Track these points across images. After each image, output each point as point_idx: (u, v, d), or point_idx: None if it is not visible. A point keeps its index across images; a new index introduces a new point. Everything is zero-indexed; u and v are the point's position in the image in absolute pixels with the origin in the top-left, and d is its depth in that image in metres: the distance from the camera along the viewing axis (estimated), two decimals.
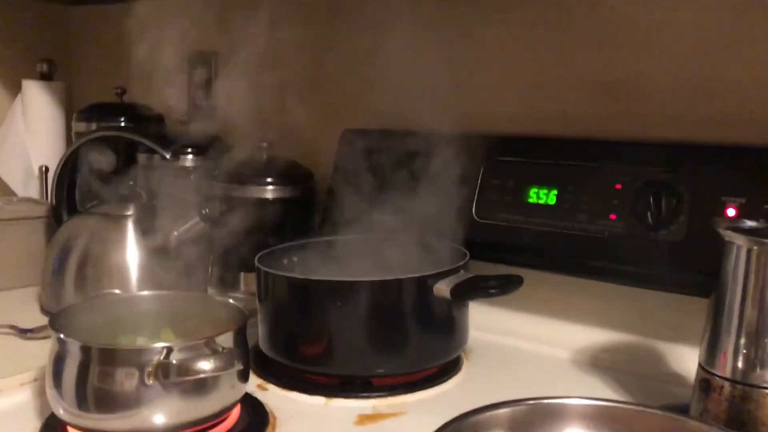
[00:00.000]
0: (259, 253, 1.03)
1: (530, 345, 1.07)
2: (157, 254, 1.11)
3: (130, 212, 1.15)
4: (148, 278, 1.10)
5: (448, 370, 0.99)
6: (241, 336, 0.80)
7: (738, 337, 0.74)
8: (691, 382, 0.81)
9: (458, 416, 0.64)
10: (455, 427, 0.63)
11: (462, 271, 0.97)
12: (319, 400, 0.90)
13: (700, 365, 0.78)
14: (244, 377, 0.81)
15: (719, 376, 0.75)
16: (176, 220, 1.12)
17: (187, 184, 1.20)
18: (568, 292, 1.07)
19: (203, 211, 1.14)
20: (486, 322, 1.09)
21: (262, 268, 0.98)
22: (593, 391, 0.90)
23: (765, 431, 0.72)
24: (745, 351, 0.74)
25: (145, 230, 1.12)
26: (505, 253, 1.08)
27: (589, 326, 1.05)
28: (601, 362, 1.01)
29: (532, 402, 0.67)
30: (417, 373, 0.95)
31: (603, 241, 0.98)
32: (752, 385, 0.73)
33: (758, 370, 0.73)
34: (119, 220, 1.14)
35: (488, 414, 0.65)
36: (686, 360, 0.94)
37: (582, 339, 1.05)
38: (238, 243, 1.20)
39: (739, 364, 0.74)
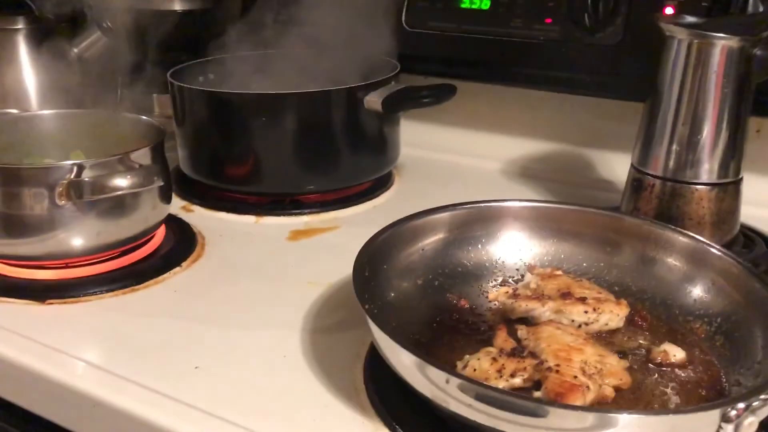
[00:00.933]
0: (171, 69, 0.94)
1: (462, 158, 1.05)
2: (56, 73, 1.00)
3: (20, 26, 1.02)
4: (48, 100, 1.00)
5: (379, 185, 0.96)
6: (158, 153, 0.74)
7: (672, 135, 0.74)
8: (621, 188, 0.82)
9: (398, 221, 0.62)
10: (394, 231, 0.61)
11: (393, 83, 0.92)
12: (248, 219, 0.87)
13: (633, 166, 0.78)
14: (165, 196, 0.76)
15: (651, 175, 0.76)
16: (75, 34, 1.01)
17: None
18: (501, 102, 1.04)
19: (104, 25, 1.02)
20: (417, 138, 1.06)
21: (176, 83, 0.90)
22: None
23: (691, 224, 0.73)
24: (677, 148, 0.74)
25: (39, 46, 1.00)
26: (437, 64, 1.03)
27: (521, 137, 1.04)
28: (532, 172, 1.01)
29: (470, 206, 0.66)
30: (348, 189, 0.93)
31: (538, 46, 0.94)
32: (682, 182, 0.74)
33: (689, 168, 0.74)
34: (7, 34, 1.01)
35: (427, 218, 0.64)
36: (616, 166, 0.94)
37: (513, 150, 1.04)
38: (147, 61, 1.10)
39: (671, 163, 0.74)
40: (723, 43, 0.70)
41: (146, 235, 0.75)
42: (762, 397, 0.43)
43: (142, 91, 1.20)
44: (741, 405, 0.43)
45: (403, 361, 0.49)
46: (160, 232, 0.79)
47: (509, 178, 1.01)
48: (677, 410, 0.47)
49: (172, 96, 0.92)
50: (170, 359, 0.60)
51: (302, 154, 0.89)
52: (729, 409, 0.43)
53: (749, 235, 0.80)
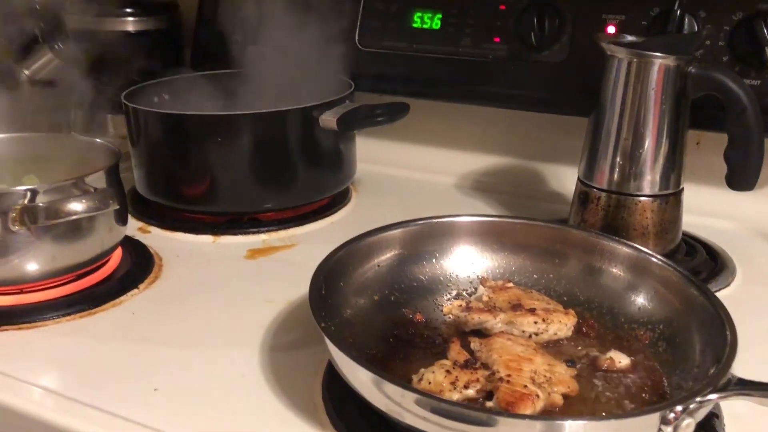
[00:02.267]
0: (125, 91, 0.94)
1: (417, 174, 1.07)
2: (7, 96, 0.99)
3: None
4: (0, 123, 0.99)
5: (337, 201, 0.98)
6: (113, 175, 0.74)
7: (615, 149, 0.77)
8: (569, 199, 0.85)
9: (352, 239, 0.64)
10: (350, 249, 0.63)
11: (347, 102, 0.93)
12: (206, 239, 0.88)
13: (579, 179, 0.82)
14: (121, 219, 0.76)
15: (597, 188, 0.79)
16: (26, 57, 1.00)
17: (35, 15, 1.06)
18: (453, 119, 1.07)
19: (56, 46, 1.02)
20: (373, 154, 1.08)
21: (130, 105, 0.90)
22: (478, 212, 0.92)
23: (635, 234, 0.77)
24: (621, 162, 0.77)
25: None
26: (390, 83, 1.05)
27: (472, 152, 1.07)
28: (484, 185, 1.04)
29: (422, 222, 0.68)
30: (306, 206, 0.94)
31: (487, 65, 0.97)
32: (626, 194, 0.77)
33: (632, 180, 0.77)
34: None
35: (381, 235, 0.65)
36: (565, 179, 0.98)
37: (466, 164, 1.07)
38: (100, 82, 1.10)
39: (615, 176, 0.78)
40: (660, 62, 0.74)
41: (102, 258, 0.75)
42: (698, 399, 0.46)
43: (96, 112, 1.20)
44: (678, 408, 0.45)
45: (360, 378, 0.50)
46: (117, 254, 0.79)
47: (463, 192, 1.03)
48: (619, 415, 0.49)
49: (126, 117, 0.92)
50: (129, 382, 0.60)
51: (258, 173, 0.90)
52: (667, 412, 0.45)
53: (691, 243, 0.84)
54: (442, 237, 0.68)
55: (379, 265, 0.67)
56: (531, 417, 0.47)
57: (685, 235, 0.84)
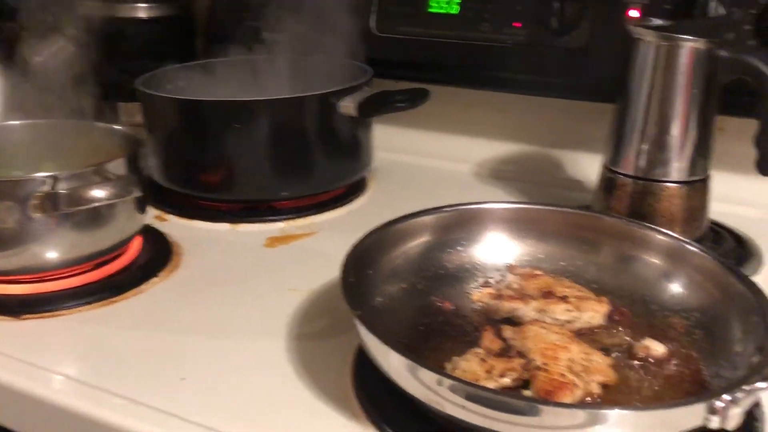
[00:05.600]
0: (140, 77, 0.93)
1: (435, 162, 1.06)
2: (20, 82, 0.98)
3: None
4: (14, 111, 0.98)
5: (354, 190, 0.97)
6: (134, 163, 0.73)
7: (643, 136, 0.76)
8: (590, 187, 0.83)
9: (382, 225, 0.63)
10: (378, 236, 0.62)
11: (366, 88, 0.92)
12: (224, 227, 0.86)
13: (605, 166, 0.80)
14: (141, 207, 0.75)
15: (623, 174, 0.77)
16: (38, 42, 0.98)
17: (47, 1, 1.05)
18: (472, 105, 1.06)
19: (69, 33, 1.00)
20: (390, 142, 1.06)
21: (146, 91, 0.89)
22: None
23: (662, 221, 0.75)
24: (648, 148, 0.76)
25: (1, 56, 0.98)
26: (408, 69, 1.03)
27: (492, 139, 1.05)
28: (503, 173, 1.03)
29: (454, 208, 0.66)
30: (323, 195, 0.93)
31: (507, 50, 0.96)
32: (654, 180, 0.76)
33: (659, 167, 0.76)
34: None
35: (411, 221, 0.64)
36: (585, 166, 0.96)
37: (485, 152, 1.05)
38: (113, 69, 1.09)
39: (643, 163, 0.76)
40: (690, 45, 0.72)
41: (122, 246, 0.74)
42: (744, 388, 0.45)
43: (109, 99, 1.19)
44: (727, 397, 0.44)
45: (394, 365, 0.49)
46: (136, 243, 0.78)
47: (481, 180, 1.02)
48: (666, 405, 0.48)
49: (142, 104, 0.91)
50: (154, 371, 0.59)
51: (276, 160, 0.89)
52: (715, 401, 0.44)
53: (717, 230, 0.82)
54: (471, 224, 0.67)
55: (407, 253, 0.65)
56: (575, 405, 0.46)
57: (712, 222, 0.82)
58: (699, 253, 0.60)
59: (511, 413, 0.44)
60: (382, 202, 0.95)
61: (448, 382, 0.46)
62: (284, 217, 0.89)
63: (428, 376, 0.47)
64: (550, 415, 0.44)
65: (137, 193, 0.68)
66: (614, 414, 0.43)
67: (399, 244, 0.64)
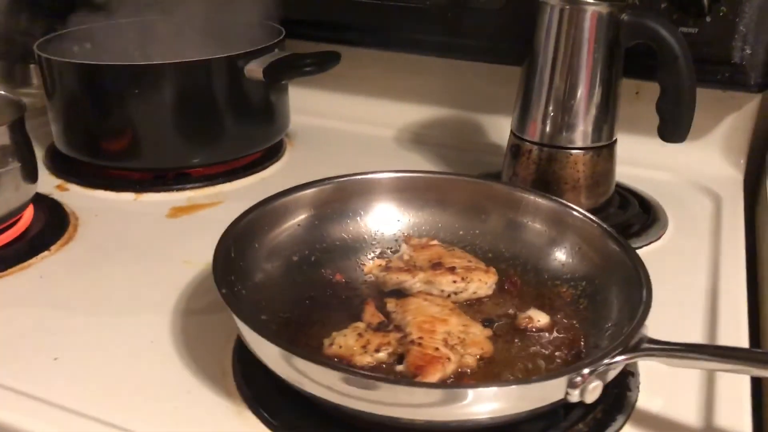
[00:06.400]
0: (39, 40, 0.88)
1: (354, 126, 1.04)
2: None
3: None
4: None
5: (270, 156, 0.94)
6: (17, 130, 0.70)
7: (547, 102, 0.74)
8: None
9: (264, 200, 0.61)
10: (262, 211, 0.60)
11: (276, 50, 0.89)
12: (127, 197, 0.84)
13: (512, 132, 0.79)
14: (29, 176, 0.72)
15: (528, 141, 0.76)
16: None
17: None
18: (391, 69, 1.03)
19: None
20: (309, 106, 1.04)
21: (42, 55, 0.85)
22: (415, 166, 0.89)
23: (567, 188, 0.75)
24: (552, 114, 0.74)
25: None
26: (324, 30, 1.00)
27: (411, 103, 1.03)
28: (423, 138, 1.01)
29: (337, 180, 0.65)
30: (236, 161, 0.90)
31: (424, 11, 0.93)
32: (558, 147, 0.75)
33: (564, 132, 0.75)
34: None
35: (292, 196, 0.62)
36: (505, 131, 0.95)
37: (405, 116, 1.03)
38: (21, 30, 1.04)
39: (547, 128, 0.75)
40: (593, 9, 0.71)
41: (9, 218, 0.71)
42: (605, 362, 0.45)
43: (18, 61, 1.14)
44: (586, 371, 0.44)
45: (248, 339, 0.48)
46: (28, 215, 0.75)
47: (401, 145, 1.00)
48: (523, 380, 0.48)
49: (40, 69, 0.87)
50: (27, 351, 0.57)
51: (183, 126, 0.86)
52: (575, 375, 0.44)
53: (625, 195, 0.82)
54: (361, 195, 0.65)
55: (299, 225, 0.64)
56: (429, 385, 0.46)
57: (620, 187, 0.82)
58: (583, 219, 0.60)
59: (363, 389, 0.43)
60: (298, 169, 0.93)
61: (297, 360, 0.45)
62: (193, 185, 0.86)
63: (275, 351, 0.45)
64: (402, 393, 0.43)
65: (16, 164, 0.65)
66: (472, 392, 0.43)
67: (286, 217, 0.63)
